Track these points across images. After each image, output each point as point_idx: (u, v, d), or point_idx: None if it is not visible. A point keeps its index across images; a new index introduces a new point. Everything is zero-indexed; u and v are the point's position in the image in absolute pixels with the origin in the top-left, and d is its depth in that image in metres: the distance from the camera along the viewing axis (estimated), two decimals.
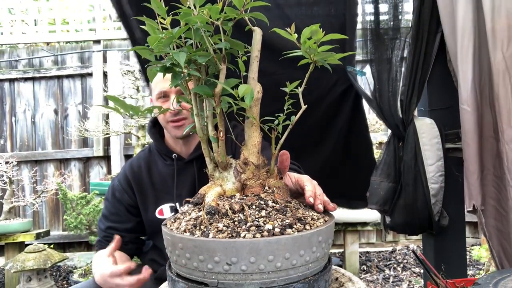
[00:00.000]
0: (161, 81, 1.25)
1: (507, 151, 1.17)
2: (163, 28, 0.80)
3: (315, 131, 1.68)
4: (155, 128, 1.45)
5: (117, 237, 1.17)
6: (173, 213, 1.35)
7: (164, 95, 1.31)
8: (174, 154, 1.37)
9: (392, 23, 1.48)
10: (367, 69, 1.55)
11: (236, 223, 0.75)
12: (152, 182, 1.38)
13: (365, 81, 1.57)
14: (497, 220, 1.31)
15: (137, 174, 1.39)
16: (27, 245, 2.85)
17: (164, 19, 0.79)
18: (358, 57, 1.68)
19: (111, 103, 0.90)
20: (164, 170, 1.39)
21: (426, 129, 1.47)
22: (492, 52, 1.19)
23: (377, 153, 3.53)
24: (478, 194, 1.30)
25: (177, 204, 1.35)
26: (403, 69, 1.50)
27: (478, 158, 1.29)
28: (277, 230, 0.73)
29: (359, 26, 1.57)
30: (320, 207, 0.87)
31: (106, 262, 1.11)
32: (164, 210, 1.36)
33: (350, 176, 1.72)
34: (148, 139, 3.49)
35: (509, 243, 1.26)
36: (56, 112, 4.22)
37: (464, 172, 1.34)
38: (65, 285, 3.33)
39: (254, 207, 0.79)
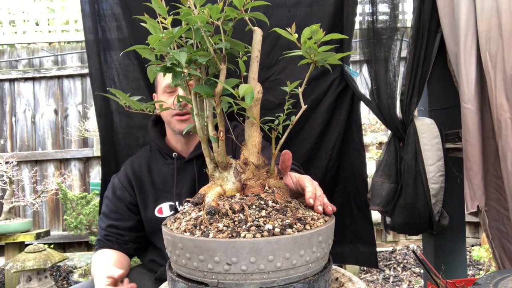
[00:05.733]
0: (168, 75, 1.26)
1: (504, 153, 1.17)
2: (164, 28, 0.80)
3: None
4: (156, 126, 1.46)
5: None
6: (172, 212, 1.35)
7: (171, 89, 1.32)
8: (174, 153, 1.38)
9: (390, 23, 1.48)
10: (365, 69, 1.55)
11: (236, 223, 0.75)
12: (152, 180, 1.39)
13: (364, 82, 1.56)
14: (497, 221, 1.31)
15: (137, 173, 1.39)
16: (27, 245, 2.85)
17: (165, 19, 0.79)
18: (356, 57, 1.68)
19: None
20: (164, 169, 1.39)
21: (426, 129, 1.47)
22: (482, 52, 1.20)
23: (377, 153, 3.53)
24: (482, 195, 1.30)
25: (177, 203, 1.35)
26: (402, 69, 1.49)
27: (482, 158, 1.29)
28: (277, 230, 0.73)
29: (357, 26, 1.57)
30: (320, 208, 0.87)
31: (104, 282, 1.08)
32: (164, 209, 1.36)
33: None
34: None
35: (510, 243, 1.26)
36: (56, 112, 4.22)
37: (465, 173, 1.33)
38: (65, 285, 3.33)
39: (254, 207, 0.79)
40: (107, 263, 1.25)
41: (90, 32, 1.54)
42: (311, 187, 0.91)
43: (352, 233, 1.72)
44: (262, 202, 0.81)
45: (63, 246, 4.08)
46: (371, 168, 3.06)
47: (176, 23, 0.79)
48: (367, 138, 3.66)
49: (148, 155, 1.44)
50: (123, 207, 1.37)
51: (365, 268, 3.37)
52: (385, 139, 3.65)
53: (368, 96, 1.56)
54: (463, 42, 1.27)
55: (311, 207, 0.89)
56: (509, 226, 1.25)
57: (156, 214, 1.36)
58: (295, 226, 0.75)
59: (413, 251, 1.65)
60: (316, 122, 1.66)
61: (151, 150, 1.45)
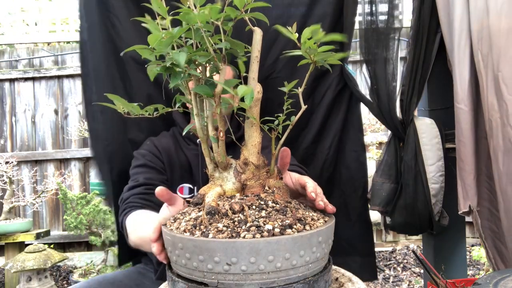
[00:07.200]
0: None
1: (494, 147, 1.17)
2: (163, 28, 0.80)
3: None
4: (182, 113, 1.49)
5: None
6: (191, 195, 1.36)
7: None
8: (198, 140, 1.39)
9: (390, 23, 1.48)
10: (364, 69, 1.55)
11: (236, 223, 0.75)
12: (180, 159, 1.40)
13: (363, 82, 1.57)
14: (490, 221, 1.31)
15: (166, 148, 1.39)
16: (27, 245, 2.85)
17: (165, 19, 0.79)
18: (356, 57, 1.67)
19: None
20: (188, 153, 1.41)
21: (426, 129, 1.47)
22: (475, 52, 1.20)
23: (377, 153, 3.53)
24: (474, 195, 1.30)
25: (195, 188, 1.37)
26: (402, 69, 1.50)
27: (475, 158, 1.29)
28: (277, 230, 0.73)
29: (356, 26, 1.57)
30: (321, 203, 0.87)
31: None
32: (184, 189, 1.37)
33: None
34: None
35: (502, 244, 1.26)
36: (56, 112, 4.22)
37: (458, 173, 1.33)
38: (65, 285, 3.33)
39: (254, 207, 0.79)
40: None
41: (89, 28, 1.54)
42: (312, 183, 0.92)
43: (348, 243, 1.65)
44: (262, 203, 0.81)
45: (63, 246, 4.08)
46: (371, 168, 3.06)
47: (176, 23, 0.79)
48: (367, 138, 3.66)
49: (169, 139, 1.45)
50: (155, 167, 1.33)
51: None
52: (385, 139, 3.65)
53: (368, 96, 1.56)
54: (457, 42, 1.27)
55: (311, 207, 0.89)
56: (501, 227, 1.26)
57: (177, 191, 1.36)
58: (295, 226, 0.75)
59: (413, 251, 1.65)
60: (316, 122, 1.65)
61: (174, 136, 1.46)
